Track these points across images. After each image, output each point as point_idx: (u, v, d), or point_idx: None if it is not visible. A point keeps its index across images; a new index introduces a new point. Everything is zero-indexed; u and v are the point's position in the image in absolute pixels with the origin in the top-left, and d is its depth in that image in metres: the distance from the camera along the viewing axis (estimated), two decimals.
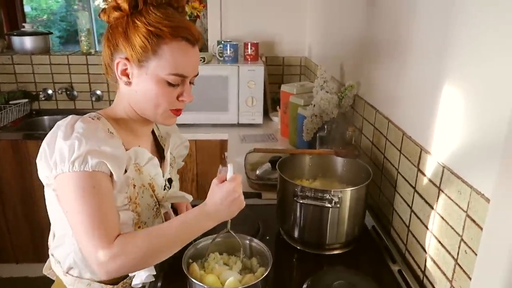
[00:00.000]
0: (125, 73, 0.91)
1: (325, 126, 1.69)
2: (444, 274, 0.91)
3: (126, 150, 0.93)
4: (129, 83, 0.92)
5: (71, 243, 0.95)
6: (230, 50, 2.31)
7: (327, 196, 1.08)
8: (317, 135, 1.72)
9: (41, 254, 2.51)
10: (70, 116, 0.90)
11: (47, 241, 1.05)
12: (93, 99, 2.74)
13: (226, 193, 0.88)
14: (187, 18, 2.68)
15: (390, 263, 1.11)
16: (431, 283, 0.98)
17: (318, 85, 1.70)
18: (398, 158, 1.17)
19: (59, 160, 0.83)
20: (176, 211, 1.18)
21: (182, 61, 0.90)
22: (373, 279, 1.01)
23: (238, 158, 1.91)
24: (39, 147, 0.88)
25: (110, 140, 0.88)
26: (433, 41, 0.99)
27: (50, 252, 1.04)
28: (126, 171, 0.92)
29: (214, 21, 2.63)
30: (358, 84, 1.56)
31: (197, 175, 2.36)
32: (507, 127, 0.68)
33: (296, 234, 1.18)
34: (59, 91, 2.70)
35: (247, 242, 1.01)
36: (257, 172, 1.67)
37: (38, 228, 2.47)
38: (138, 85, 0.92)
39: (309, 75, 2.57)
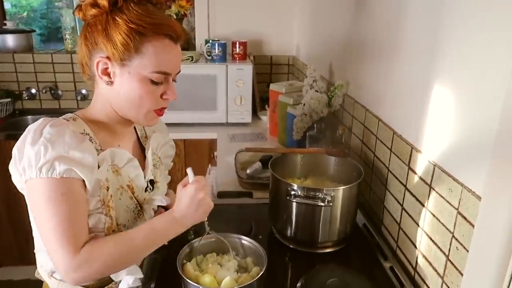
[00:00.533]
0: (106, 72, 0.89)
1: (315, 125, 1.70)
2: (436, 270, 0.93)
3: (103, 151, 0.91)
4: (110, 83, 0.90)
5: None
6: (218, 49, 2.30)
7: (320, 195, 1.09)
8: (307, 134, 1.73)
9: (25, 256, 2.46)
10: (42, 119, 0.87)
11: (33, 243, 1.04)
12: (79, 98, 2.70)
13: (190, 197, 0.88)
14: (174, 16, 2.66)
15: (382, 260, 1.13)
16: (422, 279, 1.00)
17: (308, 84, 1.71)
18: (388, 157, 1.19)
19: (27, 166, 0.82)
20: None
21: (165, 58, 0.89)
22: (366, 276, 1.02)
23: (228, 157, 1.91)
24: None
25: (79, 145, 0.85)
26: (423, 40, 1.01)
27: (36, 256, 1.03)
28: (98, 167, 0.90)
29: (201, 19, 2.62)
30: (347, 83, 1.57)
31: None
32: (497, 126, 0.70)
33: (288, 233, 1.19)
34: (43, 90, 2.65)
35: (242, 242, 1.01)
36: (248, 171, 1.67)
37: (22, 230, 2.42)
38: (121, 85, 0.89)
39: (298, 74, 2.58)
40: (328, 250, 1.18)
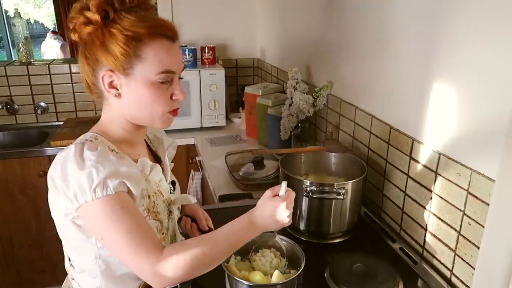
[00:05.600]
0: (112, 85, 0.91)
1: (299, 125, 1.79)
2: (447, 245, 1.06)
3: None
4: (119, 95, 0.92)
5: (96, 267, 0.93)
6: (189, 54, 2.32)
7: (334, 189, 1.18)
8: (292, 133, 1.82)
9: None
10: (72, 145, 0.88)
11: None
12: (38, 111, 2.55)
13: (278, 210, 0.90)
14: None
15: (390, 242, 1.24)
16: (432, 254, 1.13)
17: (291, 86, 1.79)
18: (386, 150, 1.31)
19: (79, 192, 0.82)
20: (194, 220, 1.18)
21: (166, 57, 0.90)
22: (382, 258, 1.13)
23: (213, 161, 1.95)
24: None
25: (122, 160, 0.88)
26: (420, 31, 1.09)
27: (70, 278, 1.02)
28: None
29: None
30: (331, 83, 1.68)
31: None
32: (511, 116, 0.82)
33: (302, 226, 1.27)
34: None
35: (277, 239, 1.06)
36: (240, 173, 1.72)
37: None
38: (130, 94, 0.91)
39: (265, 76, 2.66)
40: (338, 240, 1.28)
